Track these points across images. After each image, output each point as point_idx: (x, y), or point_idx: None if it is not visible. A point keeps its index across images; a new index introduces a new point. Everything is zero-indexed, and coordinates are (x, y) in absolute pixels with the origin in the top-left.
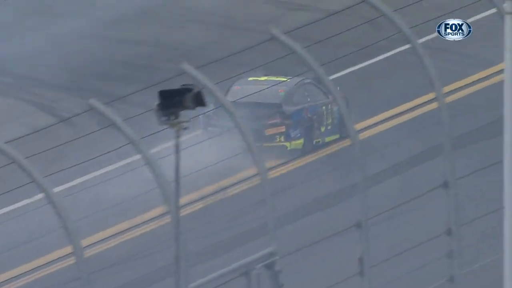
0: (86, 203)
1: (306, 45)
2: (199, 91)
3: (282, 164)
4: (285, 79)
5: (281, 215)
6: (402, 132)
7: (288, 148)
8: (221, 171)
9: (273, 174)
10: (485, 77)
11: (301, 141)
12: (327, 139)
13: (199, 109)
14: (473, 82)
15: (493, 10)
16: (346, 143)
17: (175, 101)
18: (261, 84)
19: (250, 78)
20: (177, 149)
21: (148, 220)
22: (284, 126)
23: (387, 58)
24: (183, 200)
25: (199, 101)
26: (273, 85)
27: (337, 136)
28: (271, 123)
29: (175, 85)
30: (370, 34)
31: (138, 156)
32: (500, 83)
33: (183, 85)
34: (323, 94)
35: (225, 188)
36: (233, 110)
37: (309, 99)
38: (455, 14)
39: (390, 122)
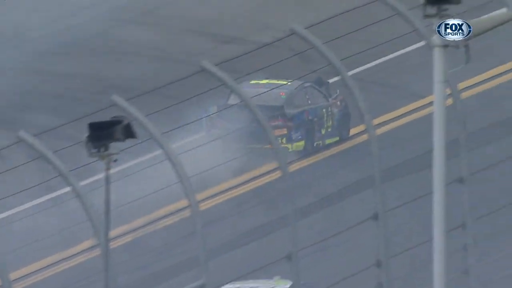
0: (15, 235)
1: (236, 77)
2: (129, 123)
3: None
4: (285, 82)
5: (213, 246)
6: (333, 164)
7: (290, 150)
8: (153, 202)
9: (203, 206)
10: (414, 109)
11: (302, 143)
12: (327, 141)
13: (129, 142)
14: (402, 114)
15: (422, 43)
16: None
17: (105, 133)
18: (262, 87)
19: (252, 81)
20: (107, 181)
21: (78, 253)
22: (286, 128)
23: None
24: (113, 232)
25: (129, 133)
26: (274, 88)
27: (336, 138)
28: (273, 125)
29: (105, 117)
30: (300, 66)
31: (67, 189)
32: (430, 116)
33: (113, 117)
34: (323, 97)
35: (157, 219)
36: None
37: (309, 102)
38: (384, 46)
39: (321, 154)
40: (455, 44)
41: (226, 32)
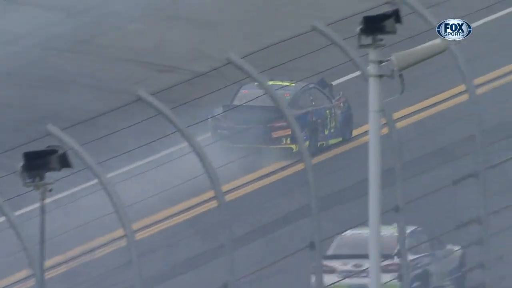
0: None
1: (172, 107)
2: (65, 152)
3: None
4: (290, 84)
5: (149, 276)
6: (269, 193)
7: (294, 150)
8: (89, 232)
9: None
10: (352, 137)
11: (306, 143)
12: (331, 142)
13: (65, 171)
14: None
15: (358, 73)
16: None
17: (40, 163)
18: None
19: (256, 83)
20: (42, 211)
21: (13, 284)
22: (290, 129)
23: None
24: (48, 262)
25: (64, 162)
26: (277, 89)
27: (339, 139)
28: (278, 126)
29: (40, 146)
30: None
31: (2, 218)
32: (365, 144)
33: (49, 146)
34: (326, 98)
35: (93, 249)
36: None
37: (313, 103)
38: (320, 76)
39: (258, 183)
40: (390, 74)
41: (163, 61)
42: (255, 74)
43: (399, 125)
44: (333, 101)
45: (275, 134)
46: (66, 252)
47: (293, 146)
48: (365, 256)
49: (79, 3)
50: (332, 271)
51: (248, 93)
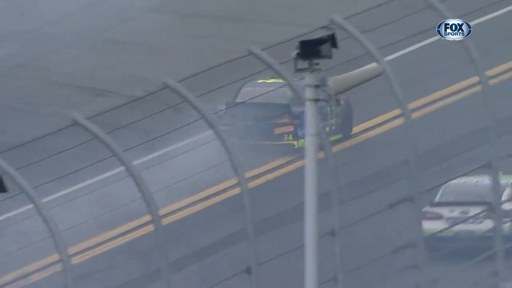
0: None
1: (108, 131)
2: (0, 177)
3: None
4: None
5: None
6: (206, 216)
7: (296, 147)
8: (23, 257)
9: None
10: (288, 161)
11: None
12: (331, 139)
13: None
14: (275, 167)
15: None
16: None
17: None
18: (269, 86)
19: (259, 81)
20: None
21: None
22: (292, 126)
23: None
24: None
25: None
26: (279, 87)
27: (340, 136)
28: (280, 123)
29: None
30: (172, 120)
31: None
32: (302, 168)
33: None
34: (327, 95)
35: (27, 275)
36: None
37: None
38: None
39: (195, 207)
40: (327, 98)
41: (98, 85)
42: (191, 97)
43: (335, 148)
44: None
45: (277, 131)
46: (0, 277)
47: (295, 142)
48: (471, 203)
49: (14, 27)
50: (439, 217)
51: (250, 90)
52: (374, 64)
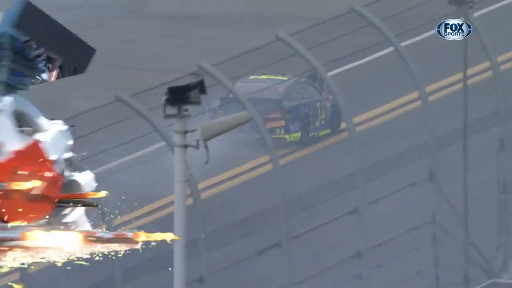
0: None
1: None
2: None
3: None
4: (283, 78)
5: None
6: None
7: (288, 140)
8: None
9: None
10: (156, 208)
11: (299, 134)
12: (321, 133)
13: None
14: (146, 213)
15: (163, 143)
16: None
17: None
18: (261, 82)
19: (251, 77)
20: None
21: None
22: (284, 120)
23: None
24: None
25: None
26: (276, 84)
27: (329, 130)
28: (272, 117)
29: None
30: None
31: None
32: (170, 215)
33: None
34: (317, 91)
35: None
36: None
37: (305, 96)
38: (126, 146)
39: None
40: (195, 145)
41: None
42: None
43: (204, 195)
44: (323, 94)
45: (269, 125)
46: None
47: (287, 136)
48: None
49: None
50: None
51: (242, 86)
52: (242, 112)
